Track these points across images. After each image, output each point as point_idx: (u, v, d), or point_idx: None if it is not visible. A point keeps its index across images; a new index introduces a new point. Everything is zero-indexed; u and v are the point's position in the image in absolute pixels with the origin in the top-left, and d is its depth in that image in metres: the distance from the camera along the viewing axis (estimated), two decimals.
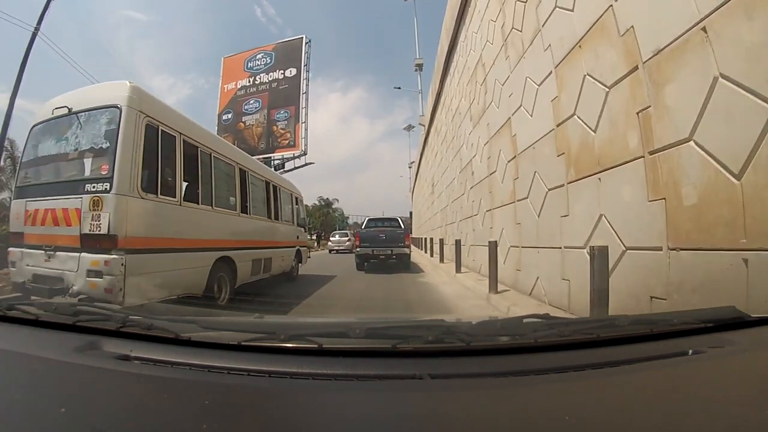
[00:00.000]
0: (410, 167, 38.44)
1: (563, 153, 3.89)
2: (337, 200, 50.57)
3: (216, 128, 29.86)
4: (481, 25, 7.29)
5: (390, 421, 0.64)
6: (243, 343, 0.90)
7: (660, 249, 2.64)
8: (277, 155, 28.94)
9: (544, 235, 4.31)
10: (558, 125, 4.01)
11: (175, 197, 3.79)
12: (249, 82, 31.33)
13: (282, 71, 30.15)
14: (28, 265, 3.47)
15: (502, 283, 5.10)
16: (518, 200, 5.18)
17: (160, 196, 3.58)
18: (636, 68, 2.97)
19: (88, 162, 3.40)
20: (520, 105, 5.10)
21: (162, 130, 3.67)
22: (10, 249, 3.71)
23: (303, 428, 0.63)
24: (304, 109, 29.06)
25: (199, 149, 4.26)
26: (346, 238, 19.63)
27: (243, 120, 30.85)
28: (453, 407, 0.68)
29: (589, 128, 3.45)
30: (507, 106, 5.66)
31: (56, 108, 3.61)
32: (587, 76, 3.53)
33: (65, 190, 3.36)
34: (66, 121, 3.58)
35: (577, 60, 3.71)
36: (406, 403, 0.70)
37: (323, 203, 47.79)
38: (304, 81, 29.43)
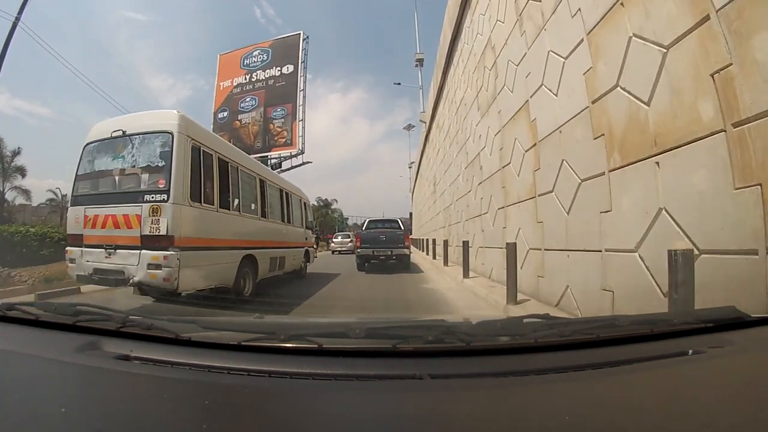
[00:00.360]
0: (410, 167, 37.79)
1: (602, 134, 3.20)
2: (336, 201, 49.73)
3: (212, 127, 29.01)
4: (490, 4, 6.63)
5: (390, 421, 0.64)
6: (243, 343, 0.90)
7: (755, 253, 1.96)
8: (273, 154, 28.13)
9: (576, 235, 3.62)
10: (594, 102, 3.32)
11: (213, 205, 4.51)
12: (245, 79, 30.46)
13: (279, 68, 29.25)
14: (88, 261, 4.09)
15: (520, 292, 4.39)
16: (540, 195, 4.48)
17: (203, 204, 4.29)
18: (706, 18, 2.30)
19: (144, 177, 4.06)
20: (541, 84, 4.41)
21: (203, 150, 4.39)
22: (68, 248, 4.32)
23: (303, 428, 0.63)
24: (301, 107, 28.17)
25: (229, 164, 4.97)
26: (349, 239, 19.75)
27: (239, 118, 29.97)
28: (453, 407, 0.68)
29: (640, 101, 2.76)
30: (524, 87, 4.97)
31: (114, 131, 4.26)
32: (634, 38, 2.84)
33: (125, 199, 4.02)
34: (121, 141, 4.22)
35: (619, 20, 3.02)
36: (406, 403, 0.69)
37: (322, 204, 47.20)
38: (302, 78, 28.56)
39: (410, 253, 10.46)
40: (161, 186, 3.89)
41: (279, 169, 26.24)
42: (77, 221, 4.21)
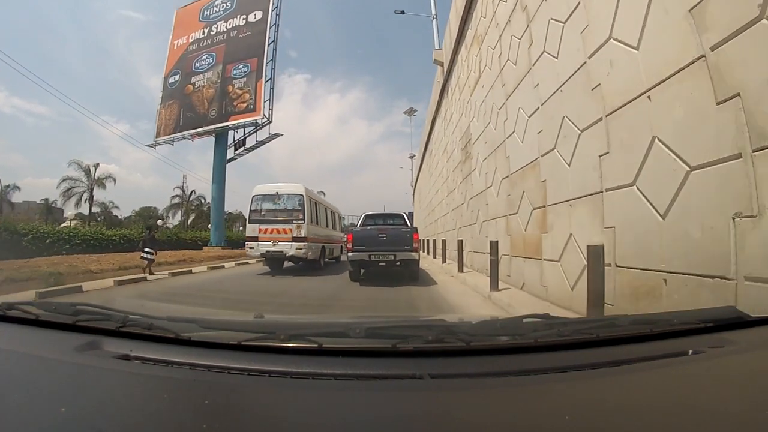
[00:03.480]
0: (411, 158, 38.60)
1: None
2: (323, 193, 40.12)
3: (161, 94, 26.09)
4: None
5: (390, 421, 0.69)
6: (243, 343, 0.96)
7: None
8: (232, 123, 23.07)
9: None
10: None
11: (314, 223, 11.46)
12: (203, 33, 25.72)
13: (244, 16, 24.05)
14: (261, 248, 10.49)
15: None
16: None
17: (312, 223, 11.18)
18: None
19: (291, 213, 10.60)
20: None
21: (312, 199, 11.63)
22: (248, 243, 10.83)
23: (303, 428, 0.67)
24: (269, 63, 23.05)
25: (317, 203, 12.40)
26: None
27: (192, 81, 25.13)
28: (453, 407, 0.72)
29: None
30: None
31: (274, 192, 10.72)
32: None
33: (283, 221, 10.47)
34: (276, 196, 10.74)
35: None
36: (406, 402, 0.75)
37: None
38: (272, 27, 23.33)
39: (419, 258, 8.42)
40: (300, 217, 10.43)
41: (244, 147, 23.85)
42: (254, 230, 10.61)
